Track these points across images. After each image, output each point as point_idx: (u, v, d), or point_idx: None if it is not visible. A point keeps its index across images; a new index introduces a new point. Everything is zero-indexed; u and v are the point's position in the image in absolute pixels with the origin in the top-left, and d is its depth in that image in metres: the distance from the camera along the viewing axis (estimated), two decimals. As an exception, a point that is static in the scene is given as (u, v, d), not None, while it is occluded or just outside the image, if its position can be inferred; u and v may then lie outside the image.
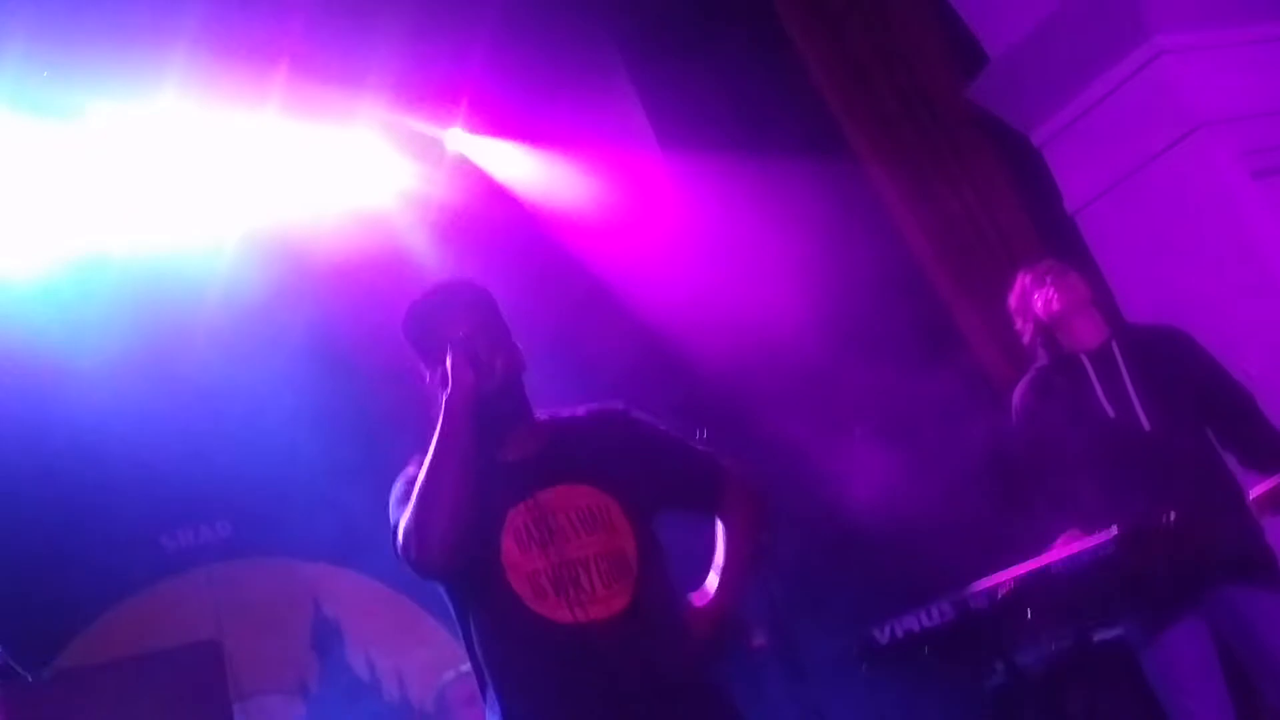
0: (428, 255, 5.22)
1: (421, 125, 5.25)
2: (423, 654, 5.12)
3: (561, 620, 2.38)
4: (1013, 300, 3.65)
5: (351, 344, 5.09)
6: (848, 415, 4.68)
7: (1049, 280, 3.54)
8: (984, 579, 3.03)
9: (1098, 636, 3.49)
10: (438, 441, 2.37)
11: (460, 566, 2.39)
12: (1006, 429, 3.65)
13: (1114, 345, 3.49)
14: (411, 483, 2.45)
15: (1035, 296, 3.55)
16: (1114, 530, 2.86)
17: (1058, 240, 4.84)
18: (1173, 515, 2.91)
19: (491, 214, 5.37)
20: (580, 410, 2.64)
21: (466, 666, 4.40)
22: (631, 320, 5.36)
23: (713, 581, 2.63)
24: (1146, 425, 3.35)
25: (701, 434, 3.27)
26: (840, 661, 3.69)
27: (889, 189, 5.11)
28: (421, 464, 2.47)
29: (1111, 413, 3.38)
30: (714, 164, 5.08)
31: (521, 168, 5.39)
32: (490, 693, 2.46)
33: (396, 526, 2.43)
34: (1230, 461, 3.49)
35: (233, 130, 4.74)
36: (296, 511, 5.21)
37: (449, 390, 2.38)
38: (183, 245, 4.83)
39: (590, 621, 2.37)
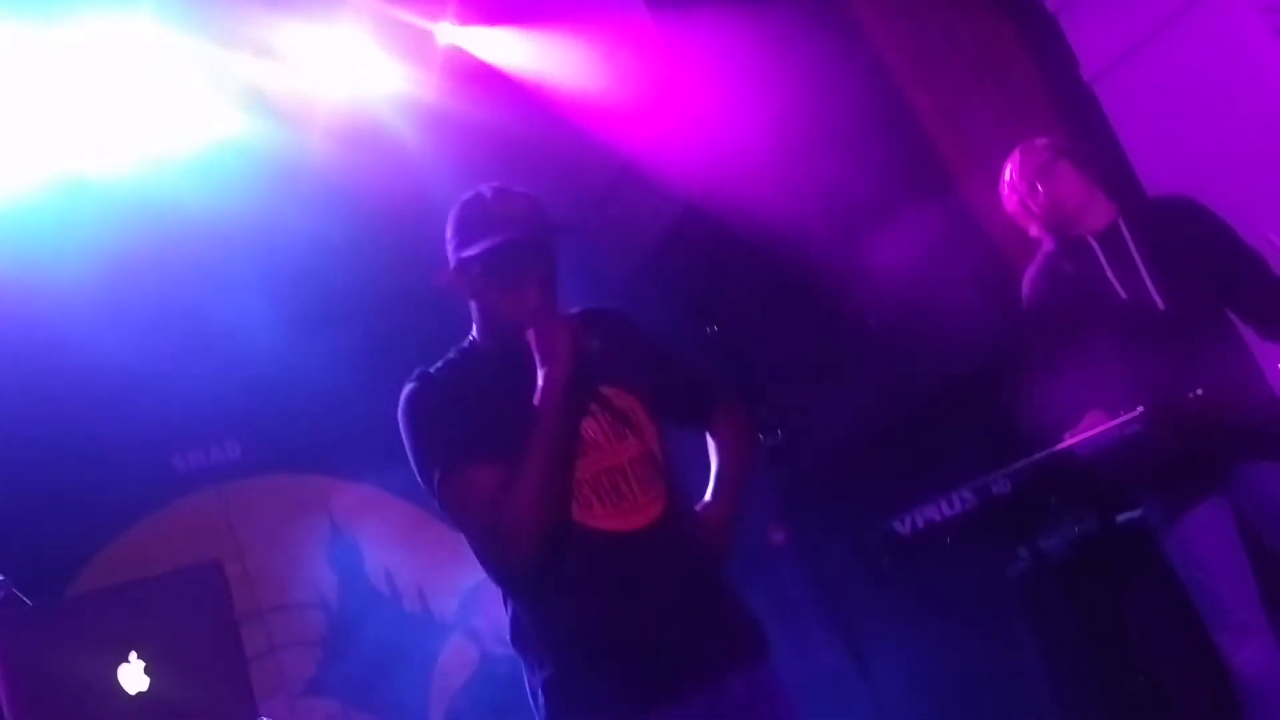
0: (423, 156, 5.09)
1: (411, 18, 5.07)
2: (441, 564, 5.11)
3: (610, 529, 2.36)
4: (1007, 197, 3.51)
5: (347, 253, 5.01)
6: (859, 301, 4.58)
7: (1040, 186, 3.40)
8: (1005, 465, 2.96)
9: (1122, 519, 3.41)
10: (542, 445, 2.28)
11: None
12: (1019, 316, 3.54)
13: (1122, 224, 3.37)
14: (426, 408, 2.38)
15: (1030, 203, 3.42)
16: (1139, 409, 2.78)
17: (1075, 110, 4.68)
18: (1199, 391, 2.82)
19: (487, 106, 5.22)
20: (584, 311, 2.55)
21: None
22: (643, 195, 5.28)
23: (713, 491, 2.62)
24: (1160, 304, 3.25)
25: (711, 329, 3.18)
26: (860, 554, 3.64)
27: (899, 61, 4.93)
28: (425, 378, 2.42)
29: (1124, 294, 3.28)
30: (705, 20, 4.92)
31: (513, 53, 5.22)
32: (524, 614, 2.42)
33: (441, 488, 2.34)
34: (1249, 336, 3.37)
35: (216, 34, 4.59)
36: (304, 427, 5.20)
37: (548, 381, 2.29)
38: (170, 159, 4.71)
39: (638, 529, 2.36)
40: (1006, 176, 3.52)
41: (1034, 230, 3.49)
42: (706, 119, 5.10)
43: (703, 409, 2.64)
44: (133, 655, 2.37)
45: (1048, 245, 3.48)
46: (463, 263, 2.42)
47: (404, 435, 2.42)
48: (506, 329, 2.40)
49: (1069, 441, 2.94)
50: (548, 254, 2.42)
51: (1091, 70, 4.75)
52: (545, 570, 2.34)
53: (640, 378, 2.50)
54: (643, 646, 2.34)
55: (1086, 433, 2.95)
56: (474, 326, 2.52)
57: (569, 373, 2.30)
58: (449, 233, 2.47)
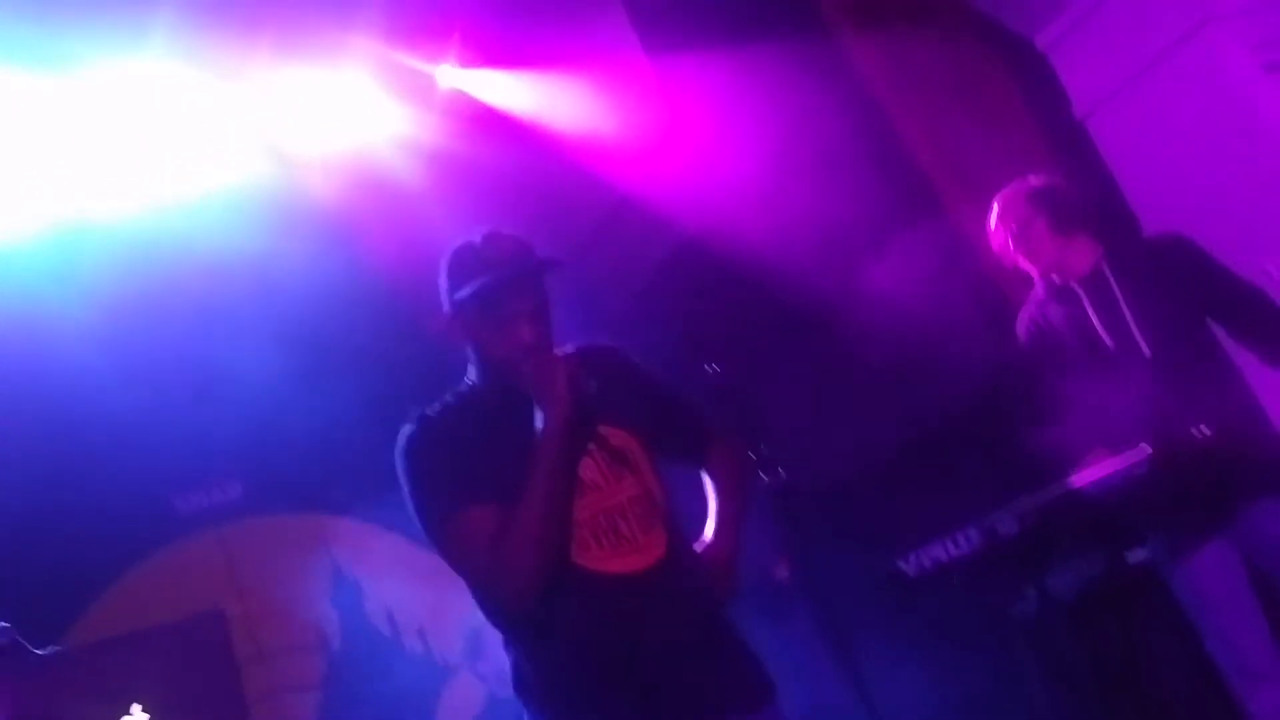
0: (424, 199, 5.11)
1: (413, 63, 5.12)
2: (444, 604, 5.09)
3: (610, 571, 2.36)
4: (991, 241, 3.52)
5: (348, 294, 5.02)
6: (861, 340, 4.60)
7: (1019, 250, 3.42)
8: (1011, 503, 2.97)
9: (1131, 558, 3.41)
10: (541, 487, 2.29)
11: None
12: (1014, 357, 3.55)
13: (1105, 268, 3.36)
14: (422, 445, 2.39)
15: (1010, 256, 3.44)
16: (1146, 449, 2.79)
17: (1067, 148, 4.72)
18: (1204, 429, 2.83)
19: (487, 148, 5.26)
20: (580, 349, 2.56)
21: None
22: (640, 231, 5.30)
23: (714, 531, 2.61)
24: (1147, 352, 3.23)
25: (711, 368, 3.19)
26: (867, 592, 3.64)
27: (891, 99, 4.98)
28: (423, 420, 2.43)
29: (1110, 343, 3.27)
30: (700, 62, 4.97)
31: (514, 96, 5.27)
32: (524, 658, 2.42)
33: (439, 531, 2.35)
34: (1248, 371, 3.38)
35: (221, 80, 4.62)
36: (305, 467, 5.19)
37: (546, 418, 2.31)
38: (174, 203, 4.74)
39: (638, 571, 2.37)
40: (989, 226, 3.53)
41: (1023, 268, 3.52)
42: (701, 156, 5.14)
43: (698, 446, 2.65)
44: (135, 708, 2.37)
45: (1037, 290, 3.50)
46: (456, 305, 2.44)
47: (402, 478, 2.43)
48: (503, 369, 2.42)
49: (1076, 482, 2.94)
50: (538, 290, 2.44)
51: (1083, 108, 4.79)
52: (543, 612, 2.34)
53: (637, 416, 2.50)
54: (644, 691, 2.32)
55: (1092, 472, 2.96)
56: (470, 370, 2.54)
57: (566, 413, 2.31)
58: (442, 280, 2.50)
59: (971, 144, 4.95)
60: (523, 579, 2.28)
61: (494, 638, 4.15)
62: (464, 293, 2.40)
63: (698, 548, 2.58)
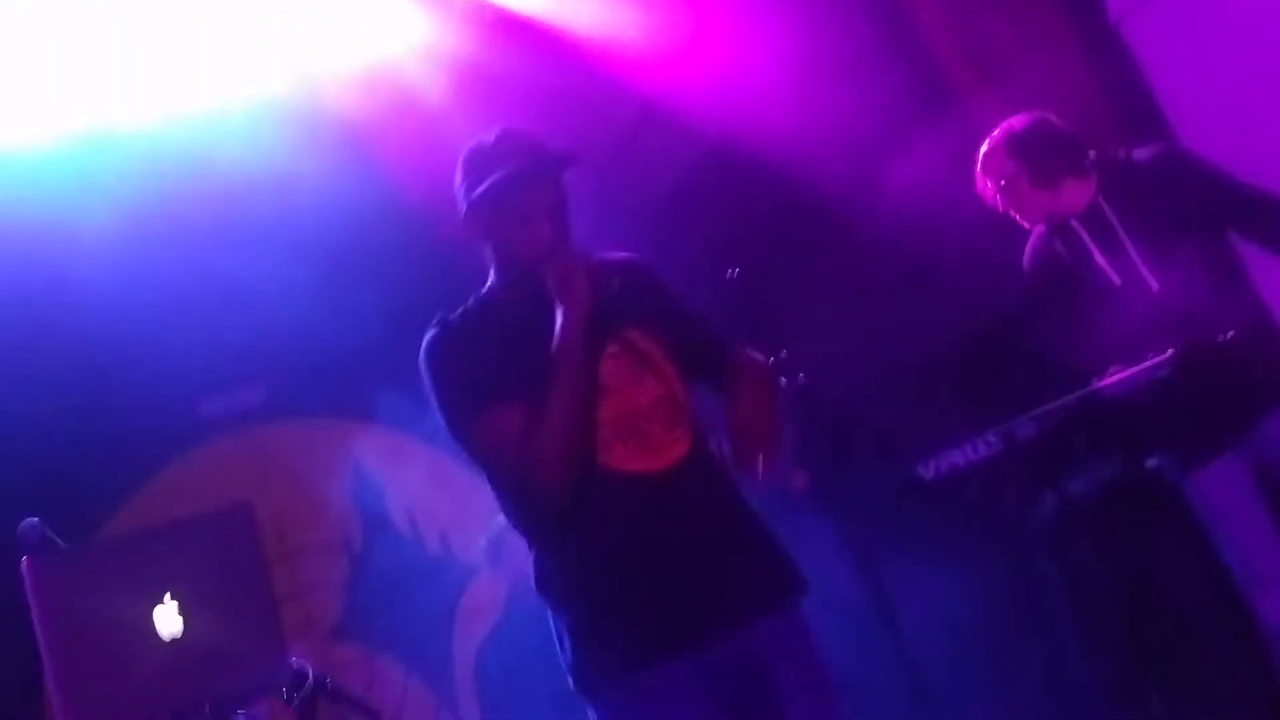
0: (445, 109, 5.06)
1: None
2: (464, 508, 5.14)
3: (633, 470, 2.36)
4: (984, 198, 3.44)
5: (370, 205, 5.00)
6: (885, 246, 4.55)
7: (1007, 205, 3.35)
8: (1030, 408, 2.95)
9: (1150, 463, 3.39)
10: (565, 384, 2.28)
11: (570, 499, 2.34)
12: (1024, 289, 3.50)
13: (1102, 200, 3.28)
14: (449, 355, 2.39)
15: (1075, 188, 3.33)
16: (1169, 352, 2.75)
17: (1102, 51, 4.61)
18: (1230, 334, 2.79)
19: (508, 57, 5.19)
20: (605, 257, 2.54)
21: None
22: (664, 137, 5.25)
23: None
24: (1155, 286, 3.17)
25: (732, 272, 3.16)
26: (886, 499, 3.65)
27: (923, 4, 4.88)
28: (446, 324, 2.43)
29: (1117, 280, 3.20)
30: None
31: (538, 4, 5.18)
32: (547, 555, 2.43)
33: (467, 434, 2.35)
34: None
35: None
36: (328, 373, 5.22)
37: (566, 318, 2.30)
38: (194, 115, 4.70)
39: (661, 469, 2.36)
40: (976, 181, 3.45)
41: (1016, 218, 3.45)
42: (725, 61, 5.06)
43: (718, 360, 2.59)
44: (167, 596, 2.40)
45: (1040, 227, 3.44)
46: (472, 204, 2.42)
47: (427, 381, 2.43)
48: (522, 266, 2.41)
49: (1096, 385, 2.92)
50: (555, 185, 2.42)
51: (1119, 10, 4.68)
52: (570, 511, 2.34)
53: (658, 322, 2.50)
54: (669, 589, 2.33)
55: (1115, 375, 2.94)
56: (491, 274, 2.53)
57: (587, 312, 2.30)
58: (457, 181, 2.48)
59: (1004, 46, 4.85)
60: (552, 477, 2.28)
61: (514, 541, 4.21)
62: (479, 189, 2.38)
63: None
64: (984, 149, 3.40)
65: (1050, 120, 3.38)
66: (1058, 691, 3.62)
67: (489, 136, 2.45)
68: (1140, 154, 3.36)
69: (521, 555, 4.26)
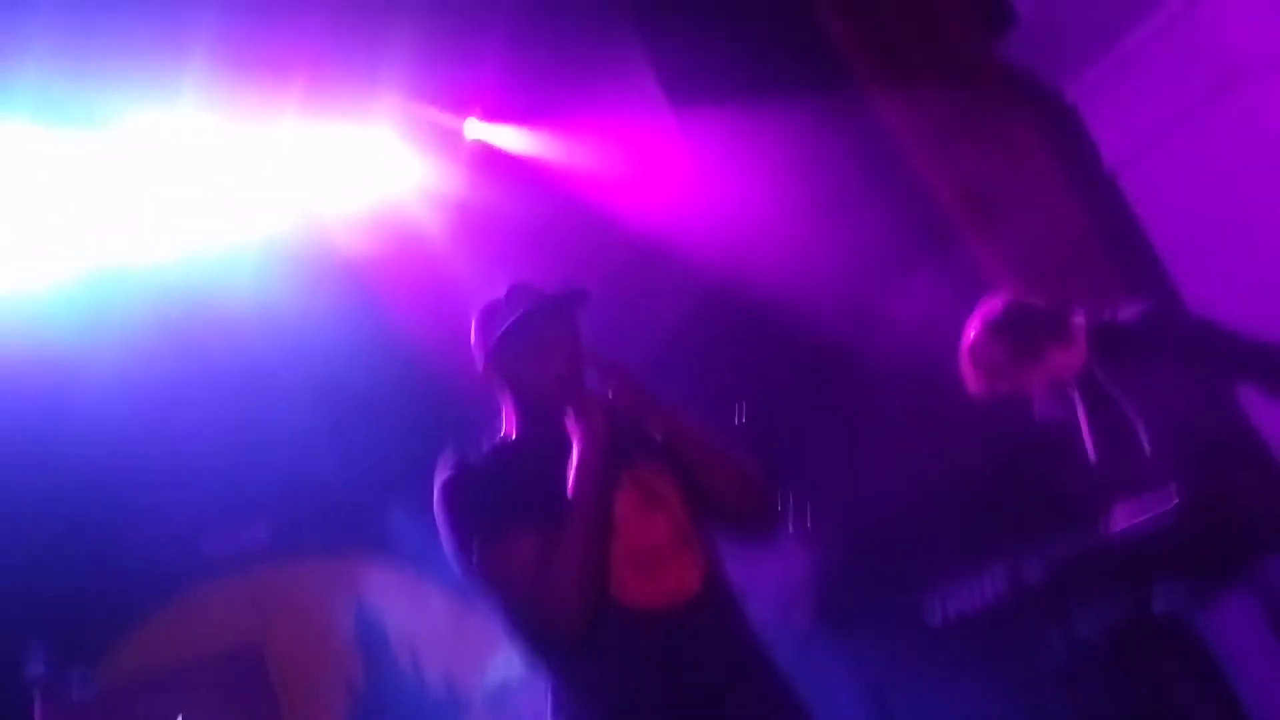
0: (450, 252, 5.18)
1: (439, 117, 5.19)
2: (468, 650, 5.10)
3: (646, 606, 2.35)
4: (977, 392, 3.47)
5: (376, 345, 5.07)
6: (888, 384, 4.60)
7: (1007, 386, 3.38)
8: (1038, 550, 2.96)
9: (1158, 605, 3.38)
10: (582, 516, 2.30)
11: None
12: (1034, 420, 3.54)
13: (1094, 363, 3.31)
14: (459, 494, 2.40)
15: (1061, 355, 3.35)
16: (1174, 497, 2.77)
17: (1098, 201, 4.72)
18: (1233, 479, 2.81)
19: (512, 201, 5.32)
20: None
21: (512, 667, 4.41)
22: (666, 280, 5.33)
23: None
24: (1148, 449, 3.16)
25: (740, 412, 3.19)
26: (896, 636, 3.62)
27: (921, 156, 5.00)
28: (461, 459, 2.45)
29: (1092, 454, 3.28)
30: (726, 113, 5.01)
31: (539, 148, 5.34)
32: (561, 691, 2.39)
33: (478, 567, 2.34)
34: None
35: (250, 136, 4.70)
36: (331, 512, 5.23)
37: (584, 449, 2.33)
38: (205, 253, 4.80)
39: (675, 605, 2.36)
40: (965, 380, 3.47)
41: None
42: (725, 205, 5.17)
43: None
44: (179, 734, 2.38)
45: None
46: (492, 346, 2.47)
47: (438, 514, 2.43)
48: (540, 408, 2.44)
49: (1102, 529, 2.93)
50: (569, 321, 2.49)
51: (1114, 161, 4.79)
52: (584, 644, 2.33)
53: (666, 458, 2.50)
54: None
55: (1120, 519, 2.95)
56: (503, 421, 2.57)
57: (605, 445, 2.33)
58: (475, 336, 2.54)
59: (1001, 197, 4.96)
60: (569, 605, 2.27)
61: (514, 700, 4.17)
62: (499, 331, 2.45)
63: None
64: (968, 342, 3.42)
65: (1024, 299, 3.44)
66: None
67: (500, 292, 2.53)
68: (1126, 312, 3.39)
69: (524, 703, 4.26)
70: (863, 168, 5.03)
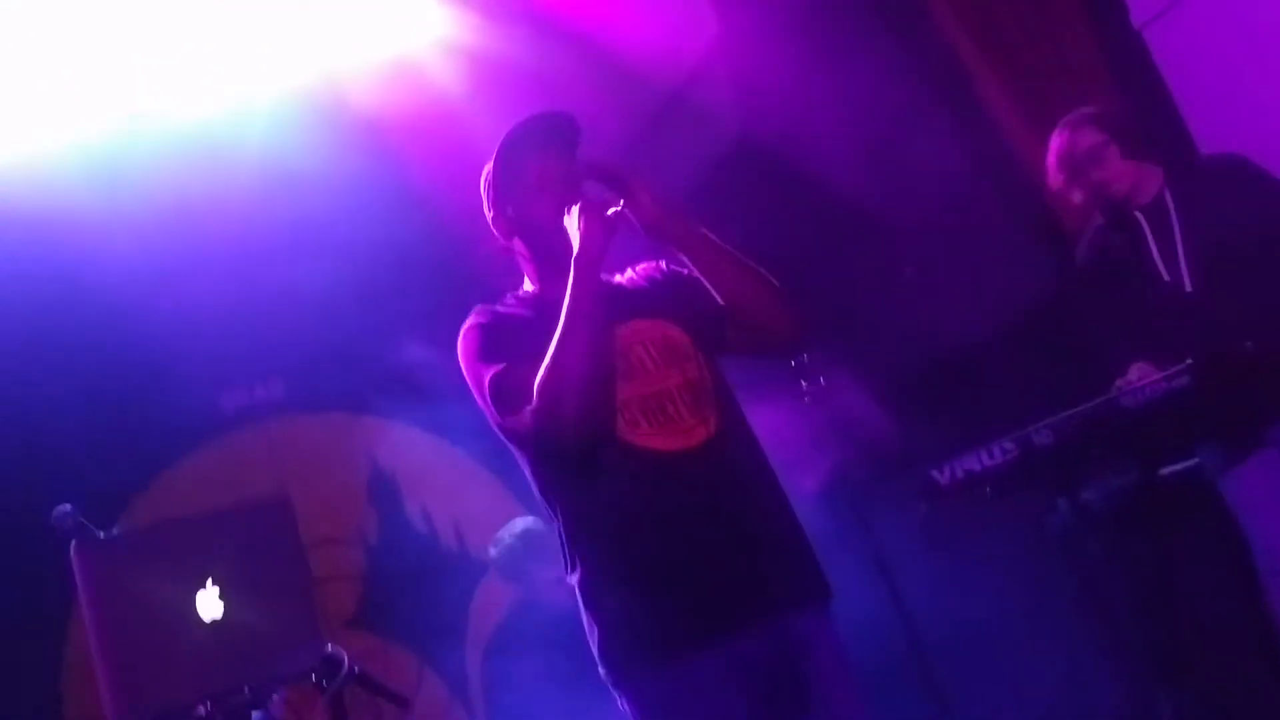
0: (469, 106, 5.10)
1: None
2: (478, 505, 5.19)
3: (657, 448, 2.38)
4: (1052, 175, 3.48)
5: (392, 200, 5.04)
6: (899, 257, 4.59)
7: (1088, 173, 3.37)
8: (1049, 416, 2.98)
9: (1166, 471, 3.43)
10: (573, 309, 2.32)
11: (593, 443, 2.35)
12: (1073, 276, 3.55)
13: (1167, 195, 3.35)
14: (489, 329, 2.45)
15: (1076, 185, 3.39)
16: (1188, 361, 2.78)
17: (1124, 57, 4.64)
18: (1249, 344, 2.82)
19: (532, 49, 5.22)
20: (623, 269, 2.65)
21: (526, 525, 4.49)
22: (687, 133, 5.28)
23: None
24: (1189, 286, 3.24)
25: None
26: (901, 504, 3.68)
27: (946, 15, 4.90)
28: (485, 315, 2.51)
29: (1166, 275, 3.28)
30: None
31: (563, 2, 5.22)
32: (574, 533, 2.44)
33: (495, 388, 2.39)
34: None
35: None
36: (346, 367, 5.26)
37: (581, 249, 2.35)
38: (223, 110, 4.74)
39: (686, 448, 2.39)
40: (1052, 157, 3.48)
41: (1078, 200, 3.48)
42: (749, 57, 5.10)
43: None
44: (209, 582, 2.45)
45: (1097, 219, 3.49)
46: (492, 200, 2.52)
47: (464, 354, 2.49)
48: (553, 251, 2.45)
49: (1115, 394, 2.95)
50: (566, 151, 2.50)
51: (1142, 16, 4.69)
52: (593, 485, 2.37)
53: (685, 313, 2.54)
54: (698, 573, 2.33)
55: (1132, 385, 2.97)
56: (525, 280, 2.62)
57: (601, 245, 2.35)
58: (484, 190, 2.58)
59: (1024, 51, 4.88)
60: (572, 404, 2.29)
61: (535, 566, 4.24)
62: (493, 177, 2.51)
63: None
64: (1065, 128, 3.44)
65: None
66: (1072, 697, 3.64)
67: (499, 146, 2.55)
68: (1211, 160, 3.45)
69: (531, 575, 4.34)
70: (889, 32, 4.94)
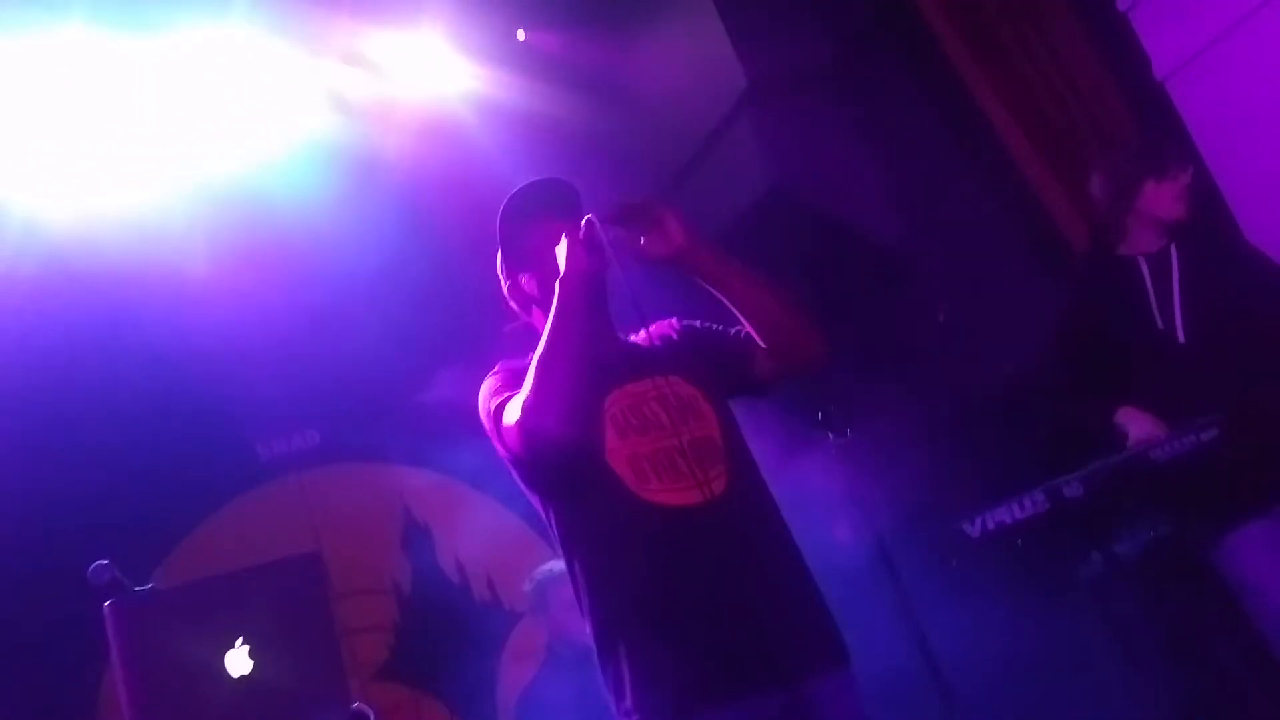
0: (498, 158, 5.17)
1: (488, 20, 5.16)
2: (511, 555, 5.20)
3: (666, 503, 2.40)
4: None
5: (426, 254, 5.11)
6: (929, 304, 4.60)
7: (1180, 181, 3.41)
8: (1075, 468, 2.97)
9: (1196, 531, 3.40)
10: (554, 319, 2.36)
11: (574, 450, 2.37)
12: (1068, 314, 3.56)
13: (1173, 247, 3.40)
14: (510, 374, 2.50)
15: (1156, 192, 3.42)
16: (1219, 414, 2.78)
17: (1147, 110, 4.65)
18: (1275, 394, 2.82)
19: (562, 104, 5.29)
20: (639, 330, 2.65)
21: (560, 565, 4.50)
22: (716, 185, 5.31)
23: None
24: (1181, 338, 3.27)
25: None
26: (931, 556, 3.67)
27: (968, 65, 4.94)
28: (504, 368, 2.55)
29: (1160, 323, 3.32)
30: (784, 40, 4.97)
31: (588, 50, 5.29)
32: (590, 586, 2.45)
33: (499, 411, 2.43)
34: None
35: (301, 42, 4.71)
36: (381, 417, 5.30)
37: (565, 271, 2.38)
38: (263, 160, 4.84)
39: (695, 504, 2.39)
40: (1134, 161, 3.52)
41: (1108, 218, 3.51)
42: (779, 105, 5.15)
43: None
44: (239, 641, 2.49)
45: (1090, 262, 3.54)
46: (507, 263, 2.58)
47: (480, 402, 2.53)
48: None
49: (1144, 448, 2.94)
50: (562, 192, 2.53)
51: (1164, 69, 4.71)
52: (605, 542, 2.39)
53: (698, 368, 2.56)
54: (711, 630, 2.33)
55: (1139, 428, 2.98)
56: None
57: (585, 271, 2.36)
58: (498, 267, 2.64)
59: (1048, 103, 4.90)
60: (537, 413, 2.31)
61: (556, 590, 4.24)
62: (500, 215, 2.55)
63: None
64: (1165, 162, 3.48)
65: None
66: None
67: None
68: (1217, 234, 3.55)
69: (562, 604, 4.35)
70: (915, 86, 4.98)
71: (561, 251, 2.40)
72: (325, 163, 4.83)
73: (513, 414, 2.39)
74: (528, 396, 2.35)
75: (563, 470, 2.45)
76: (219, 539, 5.02)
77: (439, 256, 5.17)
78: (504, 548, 5.26)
